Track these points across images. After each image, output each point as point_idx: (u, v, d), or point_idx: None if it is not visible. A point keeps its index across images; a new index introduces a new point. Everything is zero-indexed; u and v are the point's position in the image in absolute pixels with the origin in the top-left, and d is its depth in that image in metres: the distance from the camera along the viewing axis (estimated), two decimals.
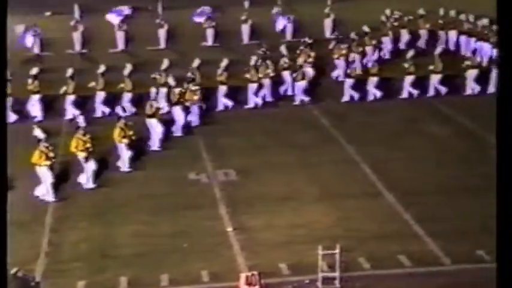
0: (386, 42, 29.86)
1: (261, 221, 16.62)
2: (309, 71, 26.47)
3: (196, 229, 16.38)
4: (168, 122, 22.31)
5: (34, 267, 14.81)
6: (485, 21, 28.42)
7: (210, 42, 32.31)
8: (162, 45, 32.12)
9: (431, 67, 25.45)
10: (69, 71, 24.51)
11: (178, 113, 22.63)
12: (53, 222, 17.07)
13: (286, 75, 26.35)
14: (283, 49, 26.57)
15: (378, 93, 25.42)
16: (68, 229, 16.74)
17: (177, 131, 22.48)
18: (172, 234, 16.19)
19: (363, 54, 27.83)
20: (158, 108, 21.48)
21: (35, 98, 24.72)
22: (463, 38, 29.18)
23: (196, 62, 25.07)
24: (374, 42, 28.66)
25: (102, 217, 17.28)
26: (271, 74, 25.47)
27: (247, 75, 25.11)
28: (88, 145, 18.71)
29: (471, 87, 25.44)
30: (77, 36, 31.72)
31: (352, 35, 28.00)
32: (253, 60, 25.23)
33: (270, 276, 13.91)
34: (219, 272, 14.46)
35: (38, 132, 18.25)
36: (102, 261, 15.16)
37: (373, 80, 25.46)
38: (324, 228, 16.07)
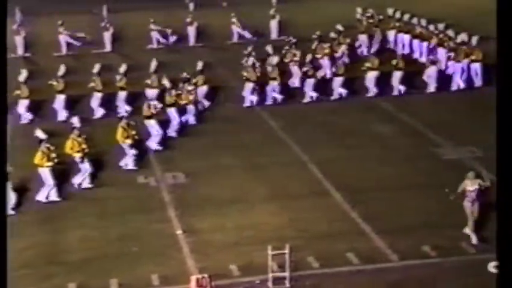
0: (363, 41, 30.09)
1: (210, 223, 16.62)
2: (296, 70, 26.23)
3: (146, 232, 16.30)
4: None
5: None
6: (440, 26, 28.71)
7: (155, 44, 32.26)
8: (108, 48, 31.91)
9: (333, 69, 25.67)
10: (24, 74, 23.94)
11: (173, 114, 22.42)
12: None
13: None
14: (269, 48, 26.32)
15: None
16: (14, 236, 16.43)
17: (171, 132, 22.26)
18: (121, 238, 16.08)
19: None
20: (156, 109, 21.36)
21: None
22: (415, 42, 29.21)
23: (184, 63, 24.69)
24: (348, 40, 28.79)
25: (49, 222, 17.05)
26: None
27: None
28: (83, 146, 18.64)
29: (371, 89, 25.30)
30: (19, 40, 31.27)
31: (332, 34, 28.13)
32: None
33: (221, 278, 13.95)
34: (169, 275, 14.42)
35: (40, 133, 18.04)
36: (49, 267, 14.97)
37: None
38: (273, 229, 16.15)
